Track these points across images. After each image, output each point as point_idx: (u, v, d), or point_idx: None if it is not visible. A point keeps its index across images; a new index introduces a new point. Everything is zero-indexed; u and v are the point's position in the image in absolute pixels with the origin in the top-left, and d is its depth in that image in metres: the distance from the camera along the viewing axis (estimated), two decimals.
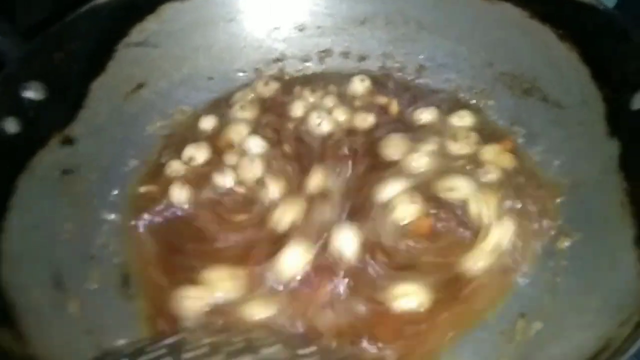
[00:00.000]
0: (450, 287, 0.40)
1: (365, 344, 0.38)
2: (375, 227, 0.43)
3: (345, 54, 0.59)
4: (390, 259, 0.42)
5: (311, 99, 0.55)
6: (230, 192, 0.48)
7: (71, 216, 0.46)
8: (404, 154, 0.48)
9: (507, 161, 0.47)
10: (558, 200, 0.44)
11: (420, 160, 0.47)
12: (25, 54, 0.46)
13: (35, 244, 0.42)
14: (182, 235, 0.46)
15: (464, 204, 0.44)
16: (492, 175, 0.46)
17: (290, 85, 0.57)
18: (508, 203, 0.43)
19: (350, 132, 0.52)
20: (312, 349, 0.36)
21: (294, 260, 0.41)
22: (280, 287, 0.41)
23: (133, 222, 0.47)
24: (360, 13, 0.58)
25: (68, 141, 0.48)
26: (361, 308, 0.40)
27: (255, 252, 0.43)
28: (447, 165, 0.47)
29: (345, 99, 0.55)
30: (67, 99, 0.49)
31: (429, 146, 0.48)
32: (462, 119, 0.51)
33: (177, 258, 0.44)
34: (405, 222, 0.44)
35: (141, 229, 0.46)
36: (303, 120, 0.53)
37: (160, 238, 0.46)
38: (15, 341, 0.35)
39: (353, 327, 0.39)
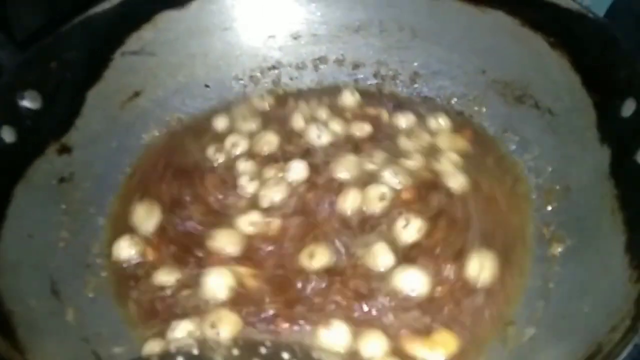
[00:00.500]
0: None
1: None
2: None
3: (340, 62, 0.60)
4: None
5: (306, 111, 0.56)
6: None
7: (67, 224, 0.46)
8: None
9: (463, 145, 0.49)
10: (550, 206, 0.44)
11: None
12: (21, 64, 0.47)
13: (32, 253, 0.42)
14: None
15: None
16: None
17: (285, 99, 0.58)
18: None
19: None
20: None
21: None
22: None
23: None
24: (354, 21, 0.58)
25: (64, 150, 0.49)
26: None
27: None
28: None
29: (336, 110, 0.55)
30: (64, 108, 0.49)
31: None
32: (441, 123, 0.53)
33: None
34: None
35: None
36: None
37: None
38: (13, 349, 0.35)
39: None
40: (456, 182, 0.47)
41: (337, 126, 0.54)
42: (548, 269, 0.41)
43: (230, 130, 0.54)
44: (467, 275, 0.41)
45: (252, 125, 0.54)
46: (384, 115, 0.55)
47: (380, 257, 0.42)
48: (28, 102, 0.46)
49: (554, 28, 0.47)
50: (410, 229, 0.43)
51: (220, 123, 0.55)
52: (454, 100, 0.55)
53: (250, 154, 0.51)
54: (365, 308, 0.40)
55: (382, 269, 0.42)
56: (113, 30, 0.52)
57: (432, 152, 0.50)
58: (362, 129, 0.53)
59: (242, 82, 0.59)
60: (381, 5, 0.57)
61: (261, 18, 0.59)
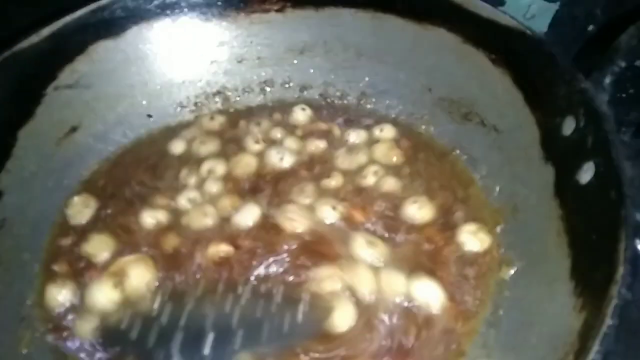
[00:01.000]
0: None
1: None
2: None
3: (287, 84, 0.58)
4: None
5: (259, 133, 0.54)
6: None
7: None
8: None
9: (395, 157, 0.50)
10: (499, 227, 0.44)
11: None
12: None
13: None
14: None
15: None
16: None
17: (235, 118, 0.56)
18: None
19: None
20: None
21: None
22: None
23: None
24: (298, 42, 0.57)
25: None
26: None
27: None
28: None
29: (289, 128, 0.54)
30: None
31: None
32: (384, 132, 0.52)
33: None
34: None
35: None
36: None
37: None
38: None
39: None
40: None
41: (293, 145, 0.53)
42: (499, 293, 0.40)
43: (188, 154, 0.53)
44: (418, 303, 0.40)
45: (211, 147, 0.53)
46: (335, 129, 0.54)
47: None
48: None
49: (495, 45, 0.47)
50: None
51: (177, 147, 0.53)
52: (401, 119, 0.54)
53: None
54: None
55: None
56: (44, 65, 0.50)
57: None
58: (317, 146, 0.52)
59: (186, 109, 0.57)
60: (325, 26, 0.56)
61: (202, 43, 0.57)
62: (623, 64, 0.39)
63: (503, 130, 0.47)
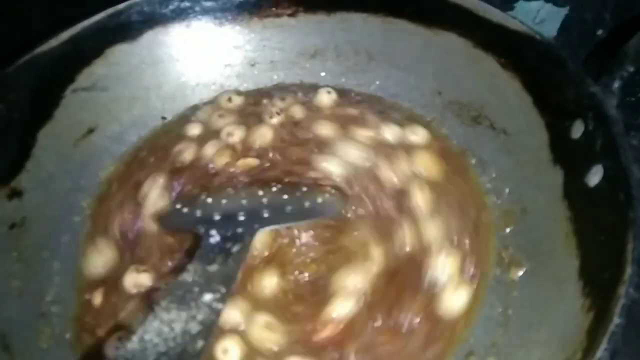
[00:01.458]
0: None
1: None
2: None
3: (299, 87, 0.59)
4: None
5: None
6: None
7: (19, 272, 0.44)
8: None
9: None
10: (508, 229, 0.44)
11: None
12: None
13: None
14: None
15: None
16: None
17: (256, 97, 0.56)
18: None
19: None
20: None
21: None
22: None
23: None
24: (310, 46, 0.58)
25: (15, 194, 0.47)
26: None
27: None
28: None
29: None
30: (12, 151, 0.48)
31: None
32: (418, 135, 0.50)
33: None
34: None
35: None
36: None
37: None
38: None
39: None
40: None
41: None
42: (507, 294, 0.41)
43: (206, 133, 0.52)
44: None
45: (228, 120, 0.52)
46: (370, 117, 0.51)
47: None
48: None
49: (504, 49, 0.48)
50: None
51: (193, 129, 0.53)
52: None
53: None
54: None
55: None
56: (62, 68, 0.51)
57: None
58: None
59: (199, 111, 0.58)
60: (336, 30, 0.57)
61: (216, 47, 0.58)
62: (632, 69, 0.40)
63: (512, 133, 0.48)
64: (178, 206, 0.44)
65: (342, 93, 0.55)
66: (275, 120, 0.52)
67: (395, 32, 0.55)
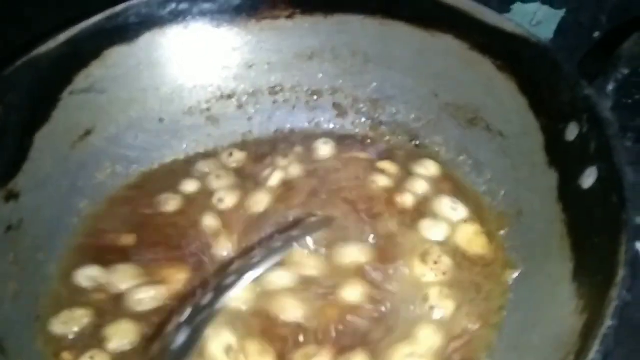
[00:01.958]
0: None
1: None
2: None
3: (295, 89, 0.59)
4: None
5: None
6: None
7: (15, 275, 0.44)
8: None
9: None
10: (503, 231, 0.44)
11: None
12: None
13: None
14: None
15: None
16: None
17: (257, 152, 0.56)
18: None
19: None
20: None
21: None
22: None
23: None
24: (307, 48, 0.58)
25: (12, 196, 0.47)
26: None
27: None
28: None
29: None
30: (9, 153, 0.48)
31: None
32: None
33: None
34: None
35: None
36: None
37: None
38: None
39: None
40: None
41: None
42: (502, 296, 0.41)
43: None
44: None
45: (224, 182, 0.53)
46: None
47: None
48: None
49: (500, 52, 0.48)
50: None
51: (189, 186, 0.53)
52: (410, 125, 0.55)
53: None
54: None
55: None
56: (60, 69, 0.51)
57: None
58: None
59: (196, 113, 0.59)
60: (333, 32, 0.57)
61: (213, 49, 0.58)
62: (626, 71, 0.40)
63: (508, 136, 0.48)
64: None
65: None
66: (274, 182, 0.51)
67: (392, 34, 0.55)
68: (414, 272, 0.42)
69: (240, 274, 0.37)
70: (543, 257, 0.40)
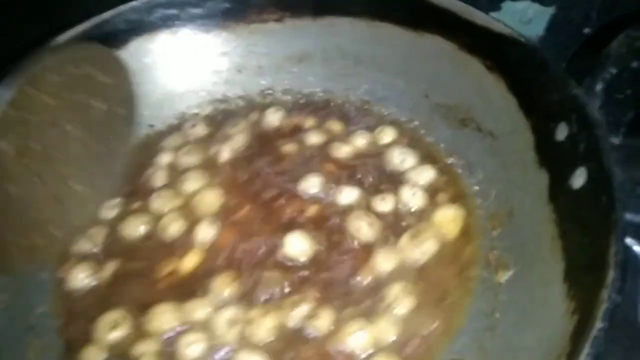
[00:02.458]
0: None
1: None
2: None
3: (287, 92, 0.59)
4: None
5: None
6: None
7: (7, 285, 0.44)
8: None
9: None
10: (495, 231, 0.44)
11: None
12: None
13: None
14: None
15: None
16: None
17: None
18: None
19: None
20: None
21: None
22: None
23: None
24: (297, 51, 0.58)
25: None
26: None
27: None
28: None
29: None
30: None
31: None
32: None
33: None
34: None
35: None
36: None
37: None
38: None
39: None
40: None
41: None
42: (495, 297, 0.41)
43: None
44: None
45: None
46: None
47: None
48: None
49: (489, 52, 0.48)
50: None
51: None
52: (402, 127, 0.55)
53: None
54: None
55: None
56: None
57: None
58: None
59: (187, 118, 0.58)
60: (323, 34, 0.57)
61: (203, 54, 0.58)
62: (614, 70, 0.40)
63: (498, 136, 0.48)
64: None
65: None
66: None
67: (382, 36, 0.55)
68: None
69: None
70: (534, 258, 0.40)
